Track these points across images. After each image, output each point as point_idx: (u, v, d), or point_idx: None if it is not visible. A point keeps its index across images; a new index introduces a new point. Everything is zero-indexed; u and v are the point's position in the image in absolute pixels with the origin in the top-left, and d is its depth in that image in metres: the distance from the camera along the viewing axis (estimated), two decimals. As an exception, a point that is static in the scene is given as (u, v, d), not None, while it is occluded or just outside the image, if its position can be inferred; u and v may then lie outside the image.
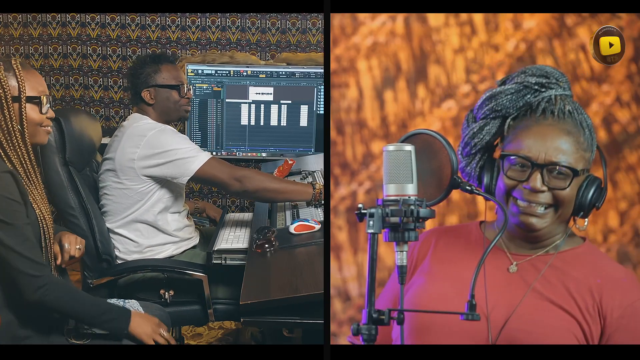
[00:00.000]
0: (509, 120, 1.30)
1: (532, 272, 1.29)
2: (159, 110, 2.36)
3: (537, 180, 1.24)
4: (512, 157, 1.26)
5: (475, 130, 1.33)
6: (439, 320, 1.26)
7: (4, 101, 1.57)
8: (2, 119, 1.58)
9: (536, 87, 1.28)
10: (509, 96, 1.29)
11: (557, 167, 1.24)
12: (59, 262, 1.76)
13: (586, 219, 1.30)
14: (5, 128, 1.58)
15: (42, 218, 1.66)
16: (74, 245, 1.82)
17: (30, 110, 1.64)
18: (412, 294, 1.34)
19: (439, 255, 1.38)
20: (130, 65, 2.46)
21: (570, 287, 1.26)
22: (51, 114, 1.69)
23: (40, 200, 1.67)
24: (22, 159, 1.62)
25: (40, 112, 1.66)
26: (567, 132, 1.25)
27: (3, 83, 1.57)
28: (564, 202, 1.25)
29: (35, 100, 1.64)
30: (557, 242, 1.30)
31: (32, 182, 1.65)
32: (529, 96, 1.28)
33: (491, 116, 1.31)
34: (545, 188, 1.24)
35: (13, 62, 1.62)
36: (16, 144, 1.60)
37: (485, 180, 1.32)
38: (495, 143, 1.35)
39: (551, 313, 1.24)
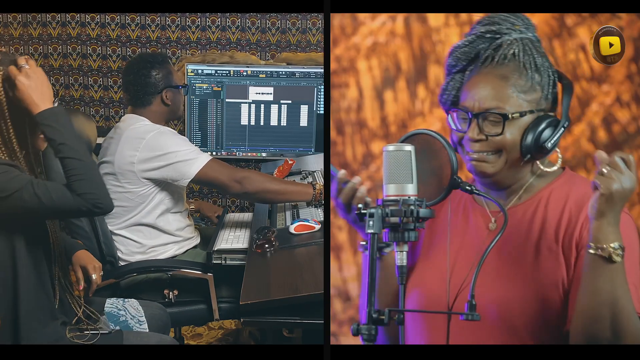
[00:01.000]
0: (467, 72, 1.31)
1: (510, 226, 1.27)
2: (170, 110, 2.39)
3: (473, 130, 1.25)
4: (454, 111, 1.29)
5: (444, 86, 1.34)
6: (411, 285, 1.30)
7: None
8: (4, 130, 1.57)
9: (488, 35, 1.28)
10: (463, 49, 1.30)
11: (489, 114, 1.24)
12: (81, 288, 1.77)
13: (559, 158, 1.29)
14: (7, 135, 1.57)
15: (52, 227, 1.66)
16: (98, 273, 1.86)
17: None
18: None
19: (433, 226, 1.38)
20: (134, 65, 2.39)
21: (548, 229, 1.26)
22: None
23: None
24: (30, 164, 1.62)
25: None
26: (501, 77, 1.25)
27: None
28: (506, 147, 1.25)
29: None
30: (527, 186, 1.30)
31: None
32: (482, 45, 1.28)
33: (453, 71, 1.32)
34: (482, 136, 1.25)
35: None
36: (11, 149, 1.59)
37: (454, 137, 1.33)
38: None
39: (527, 269, 1.24)
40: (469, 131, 1.26)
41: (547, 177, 1.31)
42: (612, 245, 1.11)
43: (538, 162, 1.29)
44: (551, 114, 1.28)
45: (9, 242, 1.56)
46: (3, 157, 1.57)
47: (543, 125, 1.24)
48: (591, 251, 1.12)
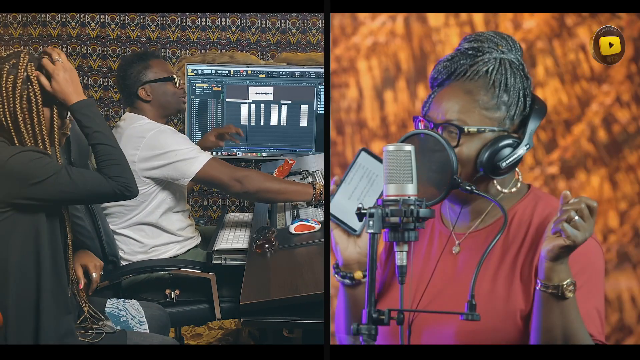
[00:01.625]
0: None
1: (473, 250, 1.28)
2: (157, 105, 2.35)
3: None
4: (418, 118, 1.30)
5: (425, 100, 1.34)
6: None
7: (33, 103, 1.60)
8: (36, 122, 1.60)
9: (470, 52, 1.28)
10: (444, 63, 1.30)
11: (447, 126, 1.25)
12: (81, 286, 1.78)
13: (519, 177, 1.28)
14: (33, 131, 1.60)
15: (67, 217, 1.69)
16: (98, 272, 1.88)
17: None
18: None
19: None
20: (118, 67, 2.42)
21: (509, 255, 1.25)
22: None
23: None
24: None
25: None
26: (466, 91, 1.26)
27: (34, 85, 1.59)
28: (461, 161, 1.24)
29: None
30: (489, 209, 1.29)
31: None
32: (463, 61, 1.28)
33: (434, 84, 1.33)
34: None
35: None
36: (43, 145, 1.62)
37: None
38: None
39: (485, 297, 1.23)
40: None
41: (511, 199, 1.30)
42: (564, 282, 1.11)
43: (495, 182, 1.28)
44: (514, 135, 1.26)
45: (33, 229, 1.59)
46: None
47: (501, 144, 1.24)
48: (542, 289, 1.13)
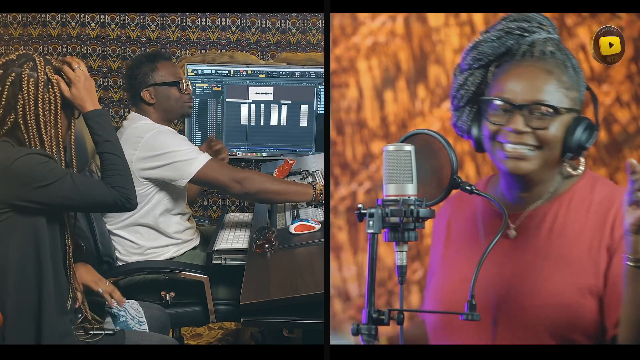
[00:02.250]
0: (491, 67, 1.29)
1: (530, 230, 1.26)
2: (160, 109, 2.34)
3: (518, 122, 1.21)
4: (493, 102, 1.24)
5: (460, 82, 1.31)
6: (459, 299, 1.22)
7: (53, 106, 1.62)
8: (50, 125, 1.62)
9: (518, 32, 1.26)
10: (490, 43, 1.27)
11: (537, 106, 1.21)
12: (77, 306, 1.77)
13: (582, 160, 1.26)
14: (52, 134, 1.62)
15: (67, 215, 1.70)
16: (104, 285, 1.92)
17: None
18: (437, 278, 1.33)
19: (454, 233, 1.37)
20: (127, 65, 2.43)
21: (571, 232, 1.23)
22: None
23: None
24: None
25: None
26: (546, 71, 1.23)
27: (55, 87, 1.62)
28: (549, 143, 1.22)
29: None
30: (552, 189, 1.27)
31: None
32: (511, 42, 1.26)
33: (475, 66, 1.29)
34: (527, 129, 1.21)
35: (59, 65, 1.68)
36: (57, 148, 1.64)
37: (474, 132, 1.30)
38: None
39: (558, 270, 1.21)
40: (511, 123, 1.22)
41: (569, 180, 1.29)
42: None
43: (566, 164, 1.27)
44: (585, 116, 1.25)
45: (33, 231, 1.59)
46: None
47: (585, 125, 1.22)
48: (630, 263, 1.10)
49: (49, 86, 1.61)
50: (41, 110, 1.59)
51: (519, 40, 1.26)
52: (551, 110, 1.21)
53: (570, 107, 1.23)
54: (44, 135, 1.60)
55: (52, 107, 1.61)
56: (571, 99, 1.24)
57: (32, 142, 1.60)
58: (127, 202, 1.68)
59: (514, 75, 1.24)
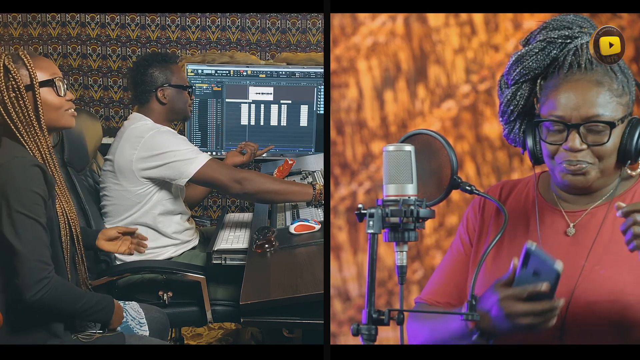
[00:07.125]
0: (539, 81, 1.28)
1: (591, 228, 1.25)
2: (170, 109, 2.37)
3: (575, 140, 1.21)
4: (547, 122, 1.24)
5: (508, 97, 1.31)
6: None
7: (17, 91, 1.57)
8: (20, 110, 1.58)
9: (560, 40, 1.25)
10: (534, 56, 1.27)
11: (593, 124, 1.20)
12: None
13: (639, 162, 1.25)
14: (24, 119, 1.58)
15: (63, 213, 1.67)
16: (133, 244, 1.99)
17: (48, 95, 1.62)
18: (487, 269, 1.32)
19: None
20: (136, 63, 2.43)
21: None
22: (70, 95, 1.68)
23: (61, 193, 1.69)
24: (42, 150, 1.62)
25: (58, 94, 1.64)
26: (597, 83, 1.22)
27: (13, 73, 1.57)
28: (606, 155, 1.22)
29: (49, 84, 1.63)
30: (612, 189, 1.27)
31: (52, 174, 1.64)
32: (554, 52, 1.26)
33: (521, 80, 1.29)
34: (584, 146, 1.22)
35: (20, 52, 1.62)
36: (34, 133, 1.60)
37: (529, 144, 1.30)
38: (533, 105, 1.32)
39: (619, 267, 1.20)
40: (569, 141, 1.22)
41: (629, 180, 1.29)
42: None
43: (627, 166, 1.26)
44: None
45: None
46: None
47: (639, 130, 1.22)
48: None
49: (9, 74, 1.57)
50: (7, 99, 1.56)
51: (563, 49, 1.25)
52: (607, 126, 1.21)
53: (624, 115, 1.23)
54: (17, 123, 1.57)
55: (17, 93, 1.57)
56: (624, 105, 1.24)
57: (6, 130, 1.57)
58: (27, 291, 1.52)
59: (565, 90, 1.24)
